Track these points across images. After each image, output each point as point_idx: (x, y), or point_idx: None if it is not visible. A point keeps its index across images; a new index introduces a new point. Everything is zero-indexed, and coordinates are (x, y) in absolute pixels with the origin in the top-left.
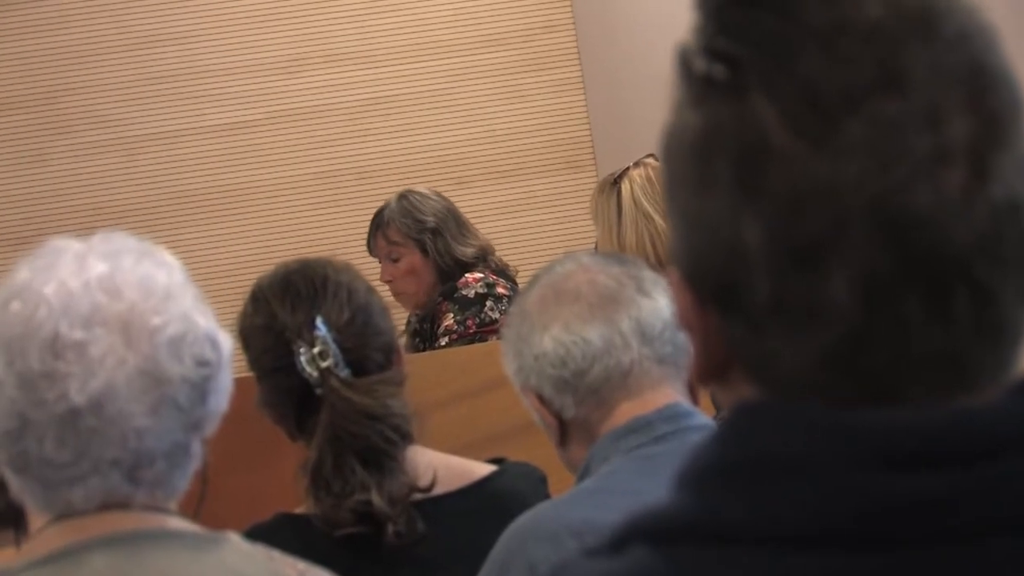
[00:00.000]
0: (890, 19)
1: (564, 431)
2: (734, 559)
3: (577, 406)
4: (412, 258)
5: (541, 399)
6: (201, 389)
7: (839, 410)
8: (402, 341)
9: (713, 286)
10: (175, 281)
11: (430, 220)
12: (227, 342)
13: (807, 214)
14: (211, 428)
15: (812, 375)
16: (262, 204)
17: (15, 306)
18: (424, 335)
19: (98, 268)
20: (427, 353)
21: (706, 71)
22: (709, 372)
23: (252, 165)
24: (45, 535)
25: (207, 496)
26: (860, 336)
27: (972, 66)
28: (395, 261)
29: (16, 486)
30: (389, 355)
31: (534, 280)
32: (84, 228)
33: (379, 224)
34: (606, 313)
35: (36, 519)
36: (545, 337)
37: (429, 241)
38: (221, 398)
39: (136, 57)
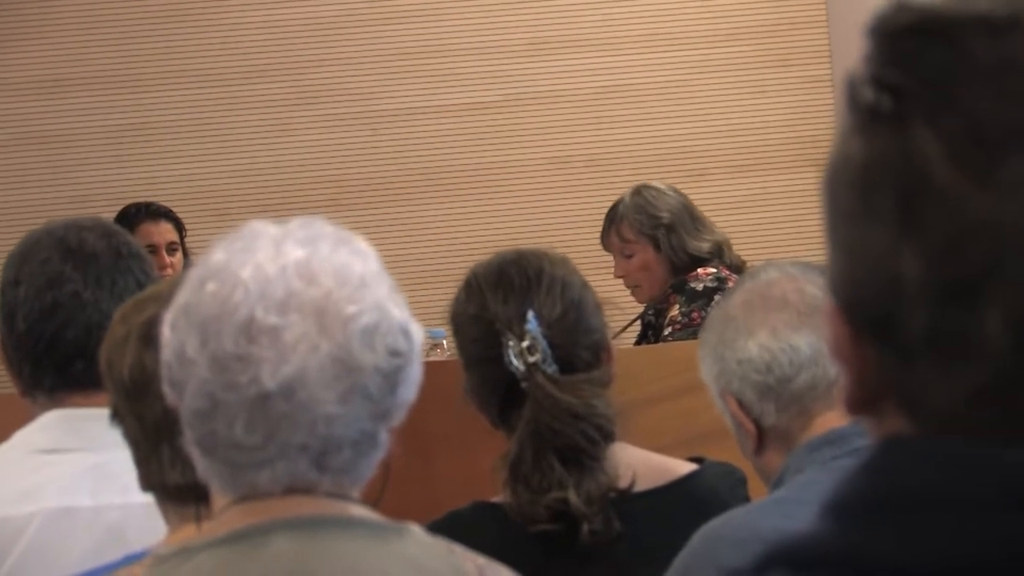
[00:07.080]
0: None
1: (761, 438)
2: None
3: (778, 413)
4: (645, 254)
5: (741, 404)
6: (392, 379)
7: (985, 447)
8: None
9: (869, 316)
10: (370, 270)
11: (664, 216)
12: (419, 333)
13: (966, 250)
14: (399, 418)
15: (962, 410)
16: (496, 185)
17: (211, 287)
18: (655, 328)
19: (295, 254)
20: (648, 346)
21: (871, 101)
22: (861, 403)
23: (488, 146)
24: (227, 515)
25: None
26: (1012, 374)
27: None
28: (628, 257)
29: (202, 467)
30: (598, 353)
31: (737, 286)
32: (327, 199)
33: (613, 220)
34: (815, 322)
35: (219, 499)
36: (751, 342)
37: (663, 237)
38: (411, 389)
39: (382, 32)
